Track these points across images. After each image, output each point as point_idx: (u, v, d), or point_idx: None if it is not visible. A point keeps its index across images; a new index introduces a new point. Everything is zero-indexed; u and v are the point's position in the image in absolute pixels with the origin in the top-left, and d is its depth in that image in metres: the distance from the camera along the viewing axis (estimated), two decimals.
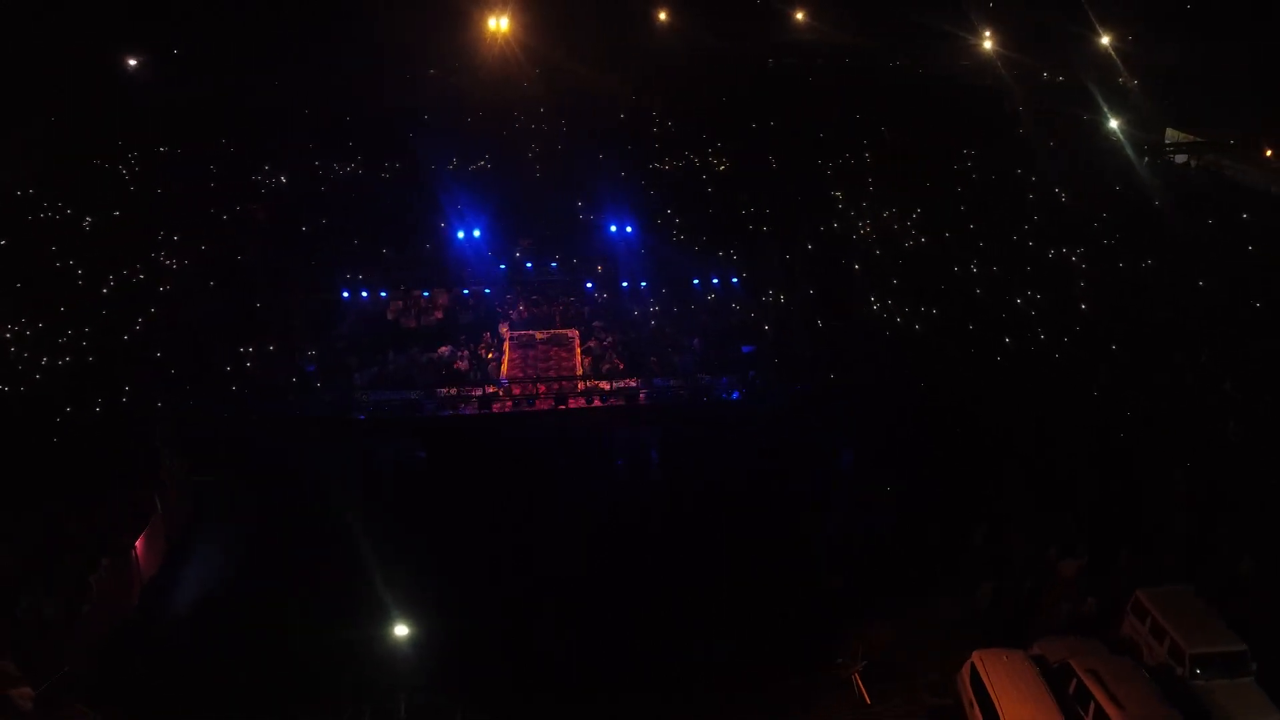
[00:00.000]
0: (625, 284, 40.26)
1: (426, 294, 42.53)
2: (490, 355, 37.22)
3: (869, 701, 21.05)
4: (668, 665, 20.41)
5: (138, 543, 24.29)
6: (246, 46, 73.13)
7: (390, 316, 42.50)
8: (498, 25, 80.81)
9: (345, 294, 40.74)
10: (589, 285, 40.39)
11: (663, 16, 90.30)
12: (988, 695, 21.05)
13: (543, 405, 33.20)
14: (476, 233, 43.95)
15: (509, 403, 32.34)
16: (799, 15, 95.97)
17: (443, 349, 38.00)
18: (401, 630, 19.75)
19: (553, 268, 41.94)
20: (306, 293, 40.29)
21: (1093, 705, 20.60)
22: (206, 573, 22.20)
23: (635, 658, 20.25)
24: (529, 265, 42.05)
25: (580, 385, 33.20)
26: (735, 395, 31.52)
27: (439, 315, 42.45)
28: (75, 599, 25.59)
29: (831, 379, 31.31)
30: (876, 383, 30.51)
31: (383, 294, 40.86)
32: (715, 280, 39.65)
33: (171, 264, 45.96)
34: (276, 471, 26.11)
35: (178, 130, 62.10)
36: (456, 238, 44.28)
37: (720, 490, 25.17)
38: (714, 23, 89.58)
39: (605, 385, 33.47)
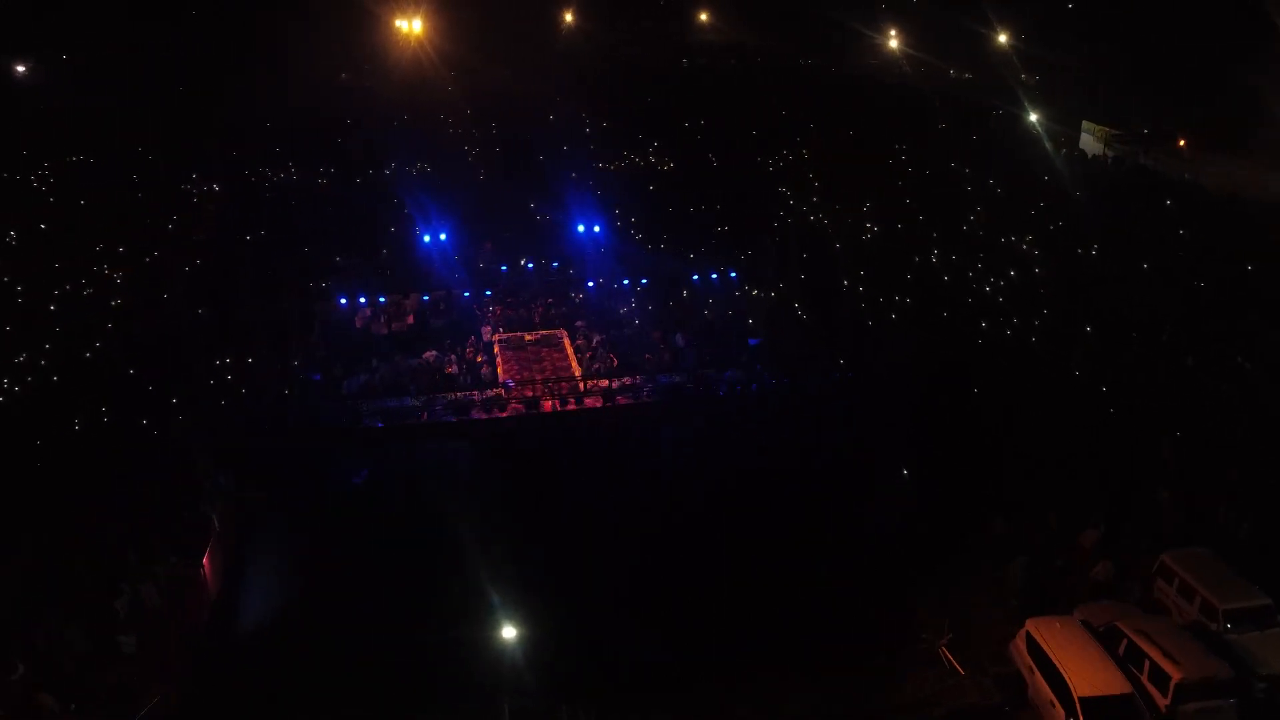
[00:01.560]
0: (600, 283, 40.35)
1: (381, 299, 41.77)
2: (480, 359, 36.95)
3: (962, 672, 22.01)
4: (749, 652, 20.87)
5: (204, 561, 23.60)
6: (142, 52, 70.81)
7: (359, 324, 41.80)
8: (409, 27, 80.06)
9: (343, 301, 39.80)
10: (590, 284, 40.33)
11: (568, 18, 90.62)
12: (1049, 660, 22.18)
13: (545, 406, 33.14)
14: (443, 236, 43.49)
15: (518, 405, 32.15)
16: (702, 16, 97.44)
17: (428, 354, 37.63)
18: (509, 632, 19.74)
19: (529, 269, 41.82)
20: (291, 300, 39.33)
21: (1147, 663, 21.91)
22: (275, 588, 21.65)
23: (718, 647, 20.64)
24: (504, 268, 41.81)
25: (582, 385, 33.25)
26: (753, 387, 32.08)
27: (410, 320, 41.93)
28: (102, 626, 24.86)
29: (841, 370, 32.19)
30: (882, 373, 31.51)
31: (380, 299, 40.07)
32: (695, 277, 40.17)
33: (116, 276, 44.22)
34: (322, 484, 25.59)
35: (83, 139, 59.75)
36: (422, 242, 43.71)
37: (755, 480, 25.63)
38: (618, 24, 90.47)
39: (606, 383, 33.59)
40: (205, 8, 79.12)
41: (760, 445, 27.05)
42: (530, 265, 41.83)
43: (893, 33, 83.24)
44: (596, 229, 42.55)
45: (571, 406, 32.12)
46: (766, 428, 28.49)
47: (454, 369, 36.07)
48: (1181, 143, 52.39)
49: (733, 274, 40.05)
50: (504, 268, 42.21)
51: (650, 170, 56.96)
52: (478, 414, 31.17)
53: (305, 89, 70.77)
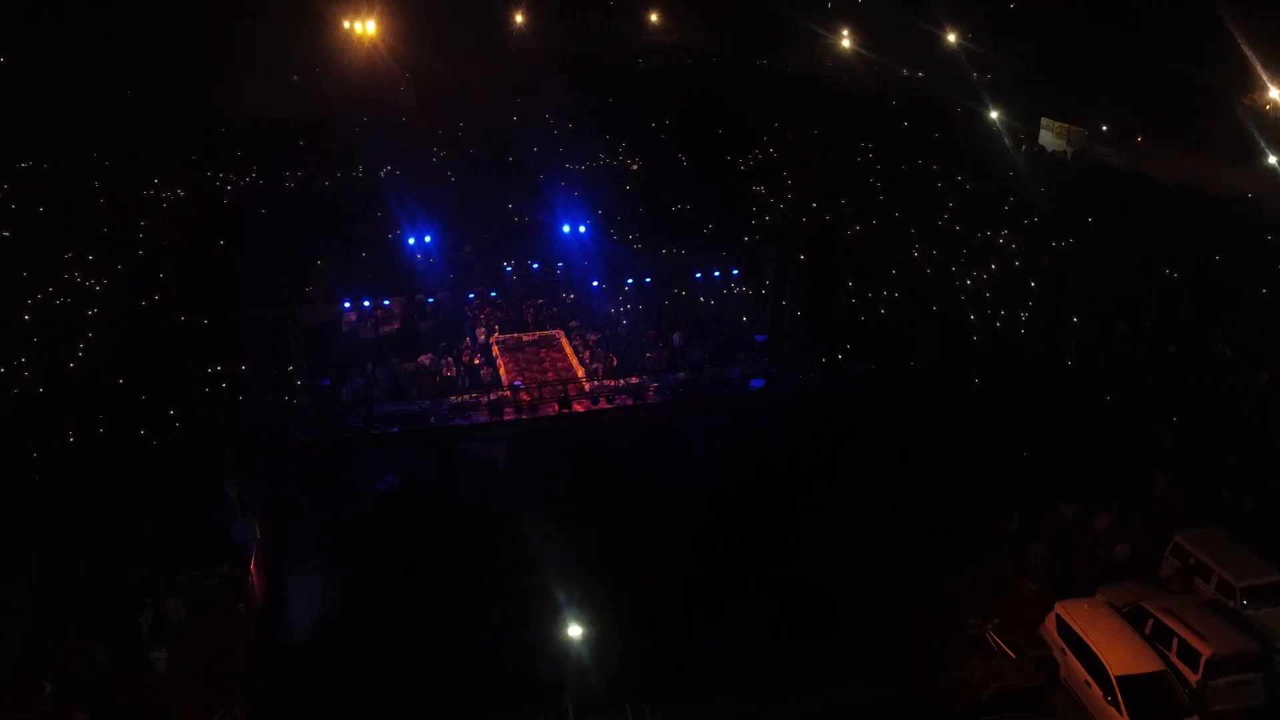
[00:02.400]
0: (600, 284, 40.44)
1: (381, 302, 41.38)
2: (477, 360, 36.80)
3: (1013, 655, 22.61)
4: (799, 642, 21.20)
5: (251, 569, 23.23)
6: (84, 53, 69.28)
7: (345, 329, 41.35)
8: (363, 29, 79.47)
9: (347, 305, 39.34)
10: (595, 284, 40.31)
11: (519, 19, 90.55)
12: (1081, 640, 22.88)
13: (547, 409, 32.98)
14: (428, 238, 43.20)
15: (524, 405, 32.05)
16: (652, 17, 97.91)
17: (423, 358, 37.37)
18: (574, 631, 19.78)
19: (534, 269, 41.73)
20: (277, 306, 38.70)
21: (1176, 641, 22.71)
22: (325, 596, 21.38)
23: (769, 637, 20.93)
24: (508, 268, 41.60)
25: (587, 385, 33.31)
26: (759, 383, 32.40)
27: (397, 325, 41.57)
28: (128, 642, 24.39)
29: (865, 364, 32.75)
30: (902, 367, 32.14)
31: (366, 303, 39.46)
32: (698, 275, 40.45)
33: (90, 284, 43.19)
34: (356, 489, 25.32)
35: (30, 142, 58.23)
36: (403, 245, 43.39)
37: (786, 473, 25.92)
38: (567, 25, 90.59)
39: (611, 383, 33.69)
40: (150, 7, 77.52)
41: (791, 439, 27.26)
42: (536, 266, 41.69)
43: (845, 33, 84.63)
44: (582, 229, 42.48)
45: (602, 404, 31.87)
46: (796, 421, 28.75)
47: (451, 372, 35.80)
48: (1139, 139, 53.96)
49: (734, 271, 40.41)
50: (509, 268, 41.95)
51: (623, 170, 56.99)
52: (480, 417, 30.79)
53: (256, 92, 69.95)
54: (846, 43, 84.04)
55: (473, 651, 19.48)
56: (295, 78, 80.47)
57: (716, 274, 40.72)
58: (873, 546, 23.98)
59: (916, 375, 31.30)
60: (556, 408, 31.11)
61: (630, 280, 40.31)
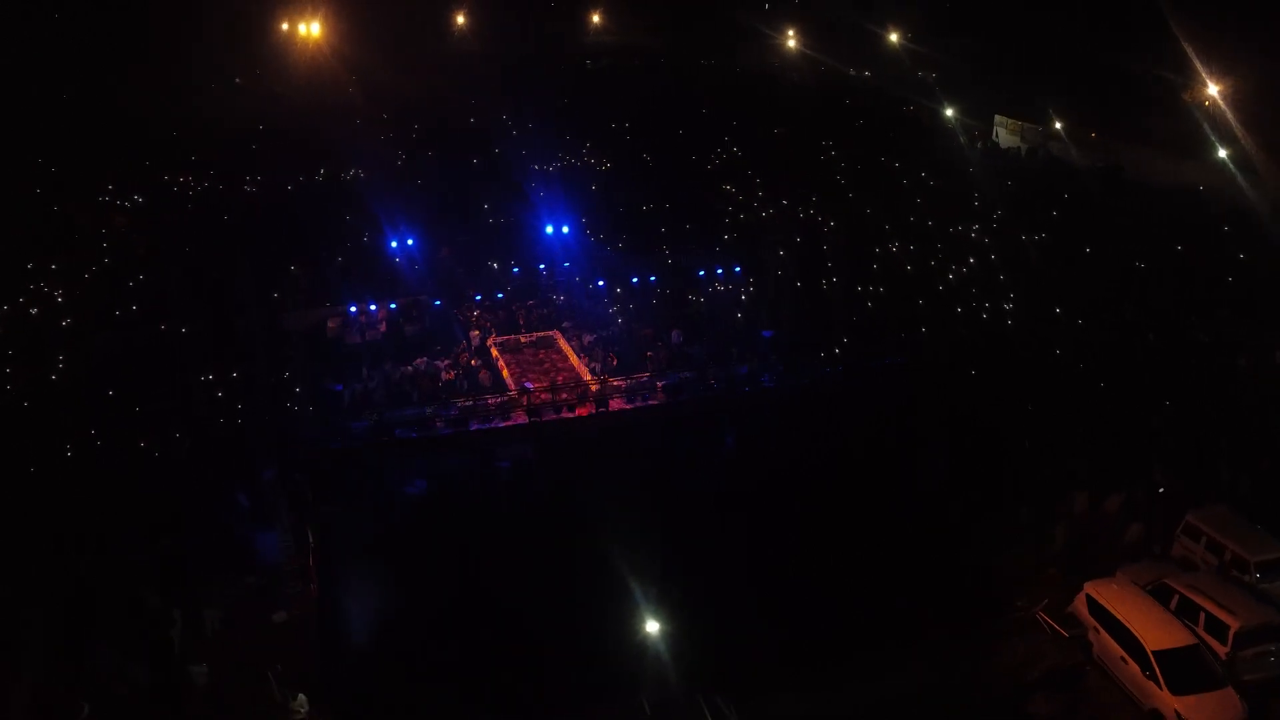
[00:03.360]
0: (602, 284, 40.67)
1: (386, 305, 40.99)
2: (474, 363, 36.61)
3: (1065, 634, 23.34)
4: (856, 631, 21.60)
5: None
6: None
7: (330, 334, 40.82)
8: (307, 31, 78.34)
9: (353, 308, 38.89)
10: (602, 283, 40.30)
11: (460, 20, 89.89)
12: (1113, 618, 23.74)
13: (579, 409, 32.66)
14: (410, 241, 42.84)
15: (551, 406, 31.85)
16: (595, 18, 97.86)
17: (418, 361, 37.11)
18: (644, 627, 19.87)
19: (514, 271, 41.67)
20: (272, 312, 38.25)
21: (1203, 615, 23.68)
22: (383, 600, 21.10)
23: (826, 627, 21.28)
24: (515, 269, 41.69)
25: (595, 385, 33.37)
26: (766, 379, 32.84)
27: (383, 329, 41.15)
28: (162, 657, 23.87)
29: (863, 358, 33.41)
30: (903, 361, 32.84)
31: (392, 305, 40.00)
32: (701, 273, 40.73)
33: (58, 294, 41.92)
34: (392, 493, 25.02)
35: None
36: (382, 249, 42.99)
37: (810, 467, 26.30)
38: (509, 26, 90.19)
39: (618, 382, 33.79)
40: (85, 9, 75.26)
41: (814, 433, 27.62)
42: (543, 267, 41.77)
43: (791, 33, 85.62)
44: (565, 230, 42.51)
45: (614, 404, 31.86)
46: (817, 415, 29.14)
47: (450, 375, 35.58)
48: (1093, 134, 55.73)
49: (737, 269, 40.79)
50: (515, 269, 42.18)
51: (591, 170, 57.00)
52: (501, 422, 30.64)
53: (200, 96, 68.62)
54: (792, 43, 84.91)
55: (542, 651, 19.42)
56: (237, 80, 78.85)
57: (720, 271, 40.95)
58: (906, 537, 24.41)
59: (930, 369, 31.90)
60: (592, 408, 30.98)
61: (635, 280, 40.48)
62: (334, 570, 20.69)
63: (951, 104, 63.82)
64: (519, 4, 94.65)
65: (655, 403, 31.28)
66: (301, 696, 22.41)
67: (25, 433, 31.34)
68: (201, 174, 56.59)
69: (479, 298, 41.67)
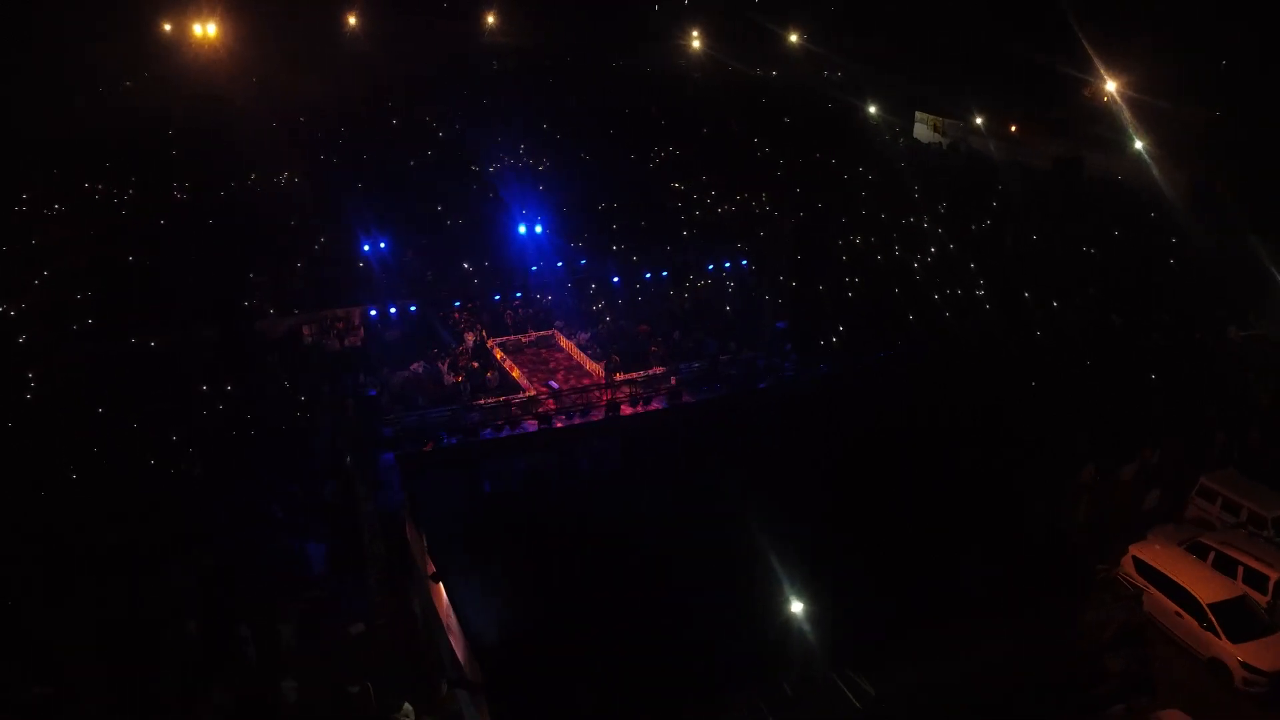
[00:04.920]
0: (616, 279, 41.14)
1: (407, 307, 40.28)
2: (475, 365, 36.18)
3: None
4: (957, 599, 22.35)
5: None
6: None
7: (307, 341, 39.67)
8: (203, 32, 75.76)
9: (374, 312, 38.52)
10: (616, 279, 40.09)
11: (352, 21, 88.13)
12: (1163, 576, 25.45)
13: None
14: (382, 244, 41.96)
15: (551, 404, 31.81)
16: (489, 19, 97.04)
17: (415, 365, 36.46)
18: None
19: (558, 268, 41.39)
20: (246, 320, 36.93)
21: (1241, 569, 25.55)
22: (506, 599, 20.72)
23: (922, 601, 22.01)
24: (533, 268, 41.48)
25: (616, 375, 33.49)
26: (790, 368, 33.54)
27: (361, 334, 40.20)
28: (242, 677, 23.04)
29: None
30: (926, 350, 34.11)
31: (411, 308, 39.35)
32: (710, 267, 41.09)
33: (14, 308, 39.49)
34: (474, 493, 24.52)
35: None
36: (362, 251, 41.98)
37: (878, 450, 26.79)
38: (403, 27, 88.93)
39: (631, 376, 33.99)
40: None
41: (853, 419, 28.31)
42: (559, 266, 41.56)
43: (694, 34, 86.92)
44: (538, 229, 42.38)
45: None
46: (855, 402, 29.81)
47: (460, 378, 35.10)
48: (1014, 128, 58.73)
49: (744, 263, 41.34)
50: (534, 268, 41.84)
51: (531, 170, 56.69)
52: (530, 425, 30.33)
53: (90, 101, 65.53)
54: (696, 44, 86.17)
55: (672, 640, 19.52)
56: (128, 83, 75.56)
57: (728, 265, 41.57)
58: (974, 512, 25.16)
59: (959, 355, 33.19)
60: (664, 402, 31.05)
61: (648, 274, 41.10)
62: (454, 572, 20.25)
63: (872, 101, 66.03)
64: (410, 5, 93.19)
65: (714, 396, 31.51)
66: (407, 705, 21.98)
67: (30, 453, 29.51)
68: (122, 181, 53.72)
69: (518, 296, 41.32)
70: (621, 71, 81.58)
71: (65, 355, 35.22)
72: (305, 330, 39.85)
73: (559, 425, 27.87)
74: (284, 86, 71.42)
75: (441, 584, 19.81)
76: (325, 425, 31.59)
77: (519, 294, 41.83)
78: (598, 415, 28.42)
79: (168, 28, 79.05)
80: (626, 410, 29.28)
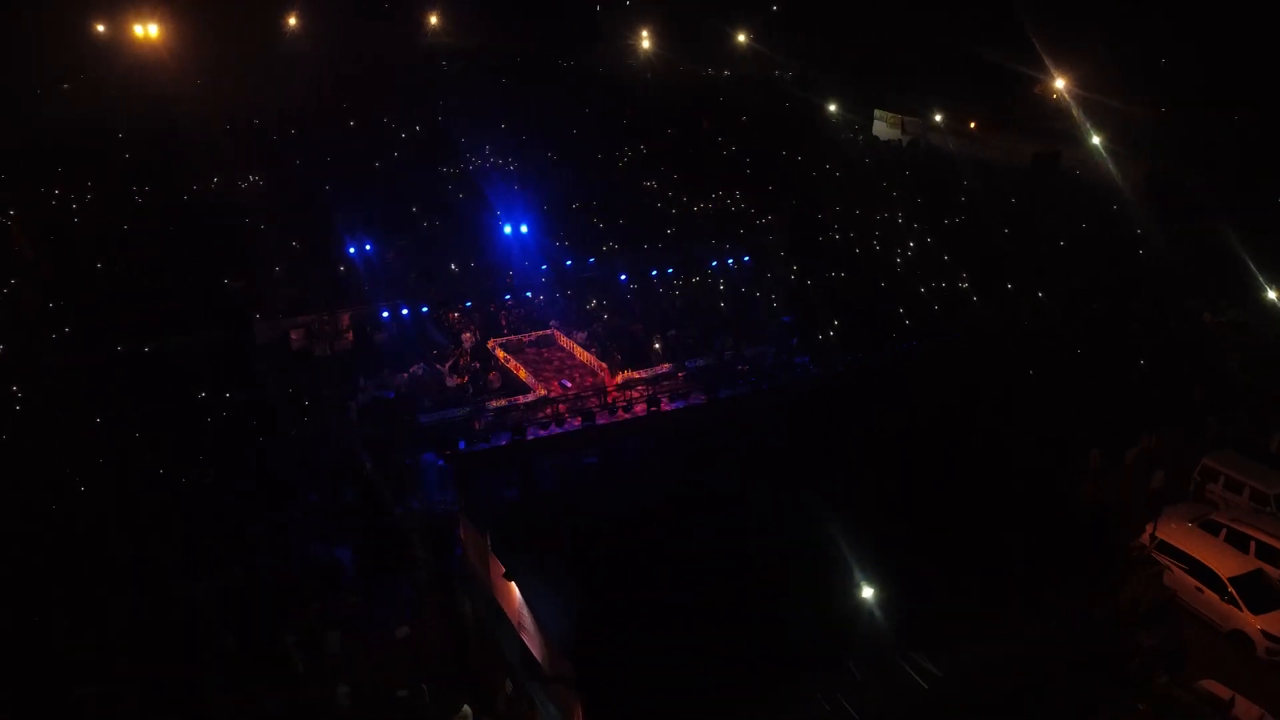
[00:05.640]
0: (623, 276, 41.25)
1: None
2: (476, 366, 35.95)
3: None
4: (1006, 579, 22.78)
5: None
6: None
7: (296, 346, 39.01)
8: (145, 32, 74.23)
9: (385, 313, 37.92)
10: (622, 277, 39.92)
11: (291, 22, 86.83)
12: (1183, 553, 26.40)
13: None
14: (368, 247, 41.44)
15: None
16: (432, 19, 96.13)
17: (415, 368, 36.07)
18: (866, 593, 20.38)
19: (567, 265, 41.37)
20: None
21: (1253, 544, 26.62)
22: (569, 596, 20.55)
23: (979, 581, 22.38)
24: (544, 266, 41.14)
25: (620, 376, 33.58)
26: (804, 360, 33.91)
27: (350, 338, 39.64)
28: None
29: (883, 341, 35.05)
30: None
31: (423, 309, 38.92)
32: (714, 264, 41.57)
33: None
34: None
35: None
36: (346, 254, 41.40)
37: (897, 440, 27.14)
38: (341, 27, 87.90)
39: (639, 374, 34.13)
40: None
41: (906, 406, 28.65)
42: (567, 265, 41.43)
43: (644, 34, 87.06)
44: (524, 229, 42.26)
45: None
46: (899, 391, 30.22)
47: (464, 379, 34.87)
48: (972, 125, 60.11)
49: (746, 259, 41.57)
50: (542, 267, 41.43)
51: (501, 170, 56.36)
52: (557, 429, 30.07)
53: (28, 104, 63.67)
54: (646, 43, 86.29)
55: (745, 628, 19.63)
56: (66, 86, 73.48)
57: (730, 261, 42.02)
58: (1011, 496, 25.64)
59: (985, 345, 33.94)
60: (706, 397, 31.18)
61: (654, 272, 41.17)
62: (522, 570, 20.10)
63: (829, 99, 66.85)
64: (348, 6, 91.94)
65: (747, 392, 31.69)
66: (466, 708, 21.84)
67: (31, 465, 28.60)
68: (76, 186, 52.10)
69: (531, 296, 41.05)
70: (572, 72, 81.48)
71: (50, 365, 33.98)
72: (293, 335, 39.09)
73: (603, 422, 27.79)
74: (228, 88, 70.09)
75: (514, 582, 19.58)
76: (333, 429, 31.06)
77: (527, 293, 41.43)
78: (640, 409, 28.41)
79: (101, 29, 77.26)
80: (667, 406, 29.30)
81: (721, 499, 22.51)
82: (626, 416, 27.90)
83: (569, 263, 40.42)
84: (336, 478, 29.26)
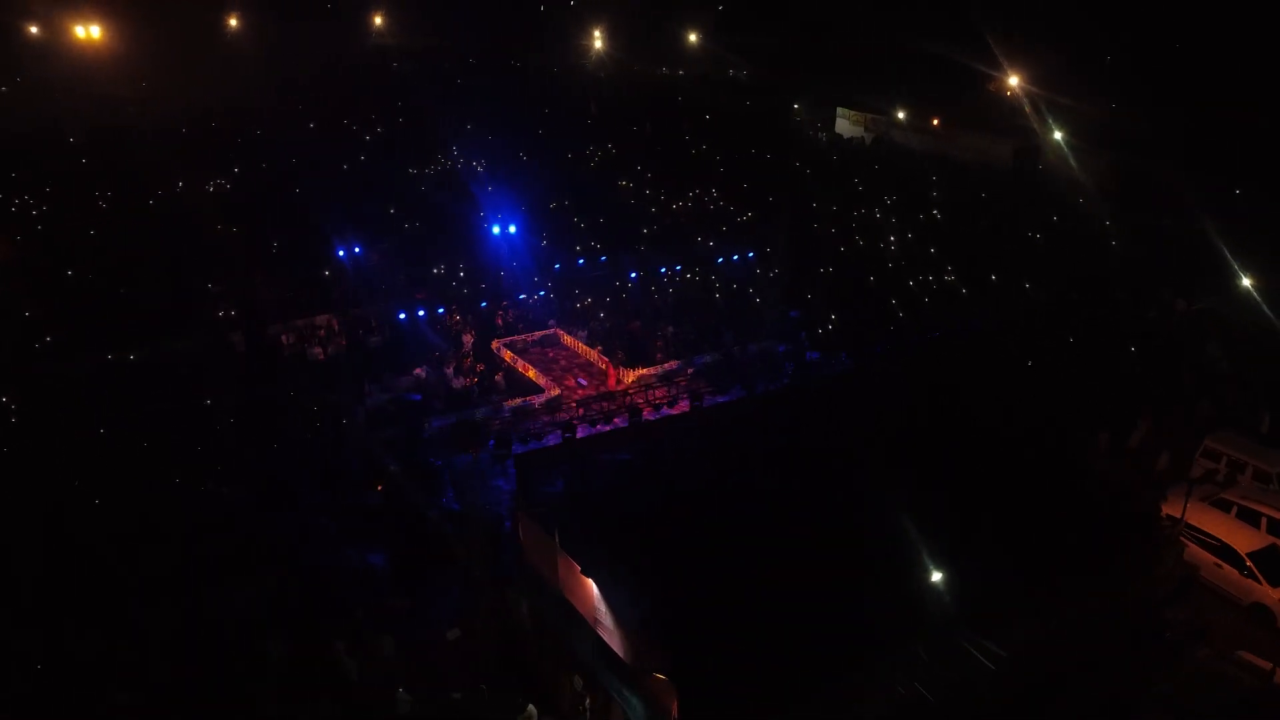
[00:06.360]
0: (634, 274, 41.28)
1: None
2: (480, 368, 35.71)
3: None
4: (1049, 558, 23.30)
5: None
6: None
7: (288, 351, 38.36)
8: (87, 33, 72.63)
9: (402, 315, 37.73)
10: (633, 275, 39.72)
11: (233, 22, 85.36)
12: (1199, 530, 27.28)
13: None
14: (357, 250, 40.87)
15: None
16: (376, 20, 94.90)
17: (418, 370, 35.72)
18: (935, 576, 20.71)
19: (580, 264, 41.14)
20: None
21: (1264, 520, 27.61)
22: (643, 589, 20.50)
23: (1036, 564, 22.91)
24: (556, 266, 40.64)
25: (631, 375, 33.63)
26: (815, 354, 34.29)
27: (344, 342, 39.08)
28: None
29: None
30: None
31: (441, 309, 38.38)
32: (720, 260, 41.74)
33: None
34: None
35: None
36: (336, 256, 40.79)
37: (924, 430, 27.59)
38: (283, 28, 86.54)
39: (649, 370, 34.22)
40: None
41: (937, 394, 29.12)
42: (580, 262, 41.26)
43: (596, 33, 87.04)
44: (512, 229, 42.06)
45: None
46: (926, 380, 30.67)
47: (474, 380, 34.62)
48: (935, 122, 61.28)
49: (750, 255, 41.74)
50: (557, 266, 41.28)
51: (468, 172, 55.92)
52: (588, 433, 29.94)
53: None
54: (598, 43, 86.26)
55: (812, 614, 19.83)
56: (3, 89, 71.39)
57: (735, 258, 42.34)
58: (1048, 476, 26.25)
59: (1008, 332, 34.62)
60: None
61: (664, 269, 41.08)
62: (593, 566, 20.09)
63: (789, 97, 67.57)
64: (289, 7, 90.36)
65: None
66: (531, 708, 21.72)
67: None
68: (33, 191, 50.47)
69: (546, 294, 40.77)
70: (526, 72, 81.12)
71: (40, 375, 32.94)
72: (284, 339, 38.43)
73: (650, 418, 27.81)
74: (176, 89, 68.58)
75: (592, 578, 19.56)
76: (348, 433, 30.62)
77: (541, 292, 41.24)
78: (684, 406, 28.44)
79: (34, 30, 75.16)
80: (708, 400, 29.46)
81: (776, 489, 22.70)
82: (671, 412, 27.90)
83: (581, 261, 40.10)
84: (359, 482, 28.78)
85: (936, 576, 20.66)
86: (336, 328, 39.21)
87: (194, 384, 33.54)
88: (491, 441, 26.21)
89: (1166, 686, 22.07)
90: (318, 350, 38.10)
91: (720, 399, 30.45)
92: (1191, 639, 25.02)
